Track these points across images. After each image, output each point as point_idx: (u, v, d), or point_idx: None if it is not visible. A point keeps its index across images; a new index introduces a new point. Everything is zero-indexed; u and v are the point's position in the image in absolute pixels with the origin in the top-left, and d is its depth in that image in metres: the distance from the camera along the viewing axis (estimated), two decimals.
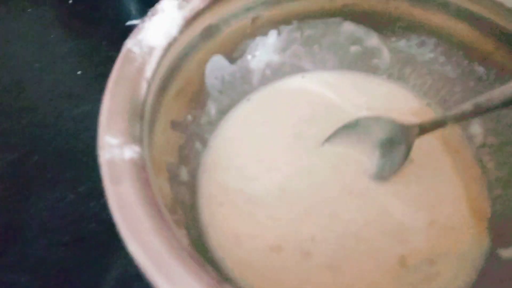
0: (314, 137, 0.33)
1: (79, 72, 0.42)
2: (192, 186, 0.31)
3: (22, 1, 0.47)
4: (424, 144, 0.32)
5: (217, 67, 0.33)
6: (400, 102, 0.35)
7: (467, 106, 0.27)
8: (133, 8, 0.47)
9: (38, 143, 0.37)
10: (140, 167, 0.20)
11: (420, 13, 0.33)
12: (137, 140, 0.21)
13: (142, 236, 0.17)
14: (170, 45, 0.25)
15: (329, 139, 0.32)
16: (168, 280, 0.16)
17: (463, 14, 0.31)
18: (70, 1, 0.47)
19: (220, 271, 0.27)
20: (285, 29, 0.35)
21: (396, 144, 0.30)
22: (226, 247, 0.29)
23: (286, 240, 0.28)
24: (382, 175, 0.31)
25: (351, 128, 0.31)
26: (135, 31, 0.25)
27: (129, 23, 0.45)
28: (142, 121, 0.22)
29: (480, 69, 0.32)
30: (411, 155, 0.31)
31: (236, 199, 0.30)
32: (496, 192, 0.30)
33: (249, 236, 0.29)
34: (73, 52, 0.43)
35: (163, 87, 0.27)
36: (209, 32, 0.30)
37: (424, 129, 0.29)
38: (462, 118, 0.28)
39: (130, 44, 0.24)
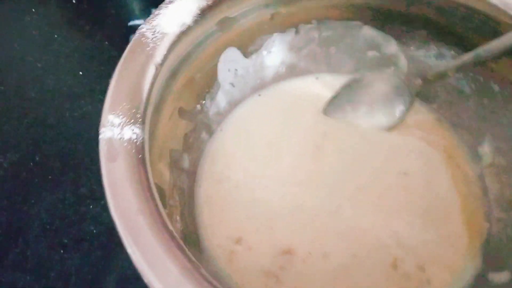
0: (317, 144, 0.33)
1: (81, 73, 0.41)
2: (192, 174, 0.31)
3: (26, 1, 0.47)
4: (426, 156, 0.32)
5: (231, 59, 0.33)
6: (409, 114, 0.34)
7: (467, 56, 0.28)
8: (136, 8, 0.46)
9: (40, 143, 0.37)
10: (137, 148, 0.20)
11: (442, 22, 0.32)
12: (139, 122, 0.22)
13: (127, 213, 0.18)
14: (183, 33, 0.26)
15: (332, 101, 0.34)
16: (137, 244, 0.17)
17: (485, 29, 0.31)
18: (74, 1, 0.47)
19: (209, 263, 0.28)
20: (304, 28, 0.35)
21: (400, 96, 0.33)
22: (220, 243, 0.29)
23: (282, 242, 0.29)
24: (388, 125, 0.34)
25: (354, 85, 0.34)
26: (151, 16, 0.25)
27: (131, 23, 0.44)
28: (147, 104, 0.23)
29: (495, 87, 0.31)
30: (408, 167, 0.31)
31: (233, 192, 0.31)
32: (495, 214, 0.29)
33: (246, 234, 0.29)
34: (76, 52, 0.43)
35: (173, 74, 0.28)
36: (225, 24, 0.30)
37: (427, 80, 0.32)
38: (463, 68, 0.30)
39: (144, 29, 0.25)
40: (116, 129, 0.21)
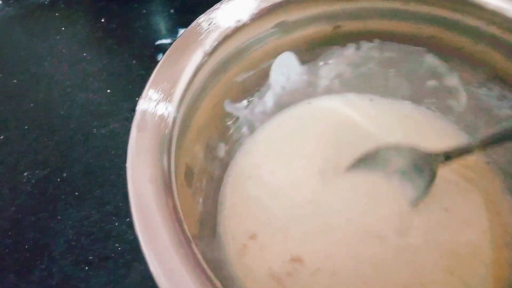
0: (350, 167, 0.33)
1: (108, 90, 0.42)
2: (225, 164, 0.33)
3: (56, 20, 0.48)
4: (468, 196, 0.31)
5: (286, 63, 0.34)
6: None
7: (493, 133, 0.26)
8: (163, 28, 0.47)
9: (68, 160, 0.38)
10: (166, 123, 0.22)
11: (508, 65, 0.31)
12: (176, 102, 0.23)
13: (139, 179, 0.20)
14: (237, 29, 0.27)
15: (351, 167, 0.32)
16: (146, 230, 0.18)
17: None
18: (103, 20, 0.48)
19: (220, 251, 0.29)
20: (365, 45, 0.35)
21: (420, 172, 0.30)
22: (234, 235, 0.30)
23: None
24: (410, 201, 0.31)
25: (371, 157, 0.31)
26: (211, 9, 0.27)
27: (159, 42, 0.45)
28: (187, 87, 0.24)
29: None
30: (447, 204, 0.30)
31: (259, 190, 0.32)
32: None
33: (261, 233, 0.30)
34: (104, 70, 0.44)
35: (225, 67, 0.29)
36: (283, 28, 0.31)
37: (449, 156, 0.29)
38: (488, 145, 0.27)
39: (201, 19, 0.27)
40: (152, 104, 0.23)
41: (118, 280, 0.32)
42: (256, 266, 0.28)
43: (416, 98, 0.36)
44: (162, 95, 0.23)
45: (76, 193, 0.36)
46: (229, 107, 0.32)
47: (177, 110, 0.24)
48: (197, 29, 0.26)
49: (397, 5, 0.31)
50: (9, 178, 0.37)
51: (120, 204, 0.35)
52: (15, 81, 0.44)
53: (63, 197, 0.36)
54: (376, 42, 0.35)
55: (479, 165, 0.33)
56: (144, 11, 0.48)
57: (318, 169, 0.33)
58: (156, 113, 0.22)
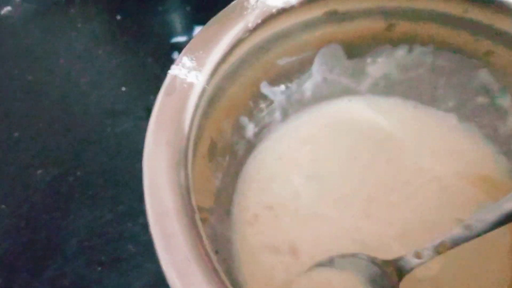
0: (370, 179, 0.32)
1: (123, 89, 0.41)
2: (251, 145, 0.32)
3: (72, 17, 0.47)
4: None
5: (331, 55, 0.33)
6: (482, 167, 0.31)
7: (447, 238, 0.24)
8: (179, 25, 0.46)
9: (81, 159, 0.37)
10: (194, 91, 0.22)
11: None
12: (208, 72, 0.24)
13: (157, 141, 0.20)
14: (284, 10, 0.27)
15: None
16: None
17: None
18: (119, 18, 0.47)
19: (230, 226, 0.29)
20: (418, 49, 0.33)
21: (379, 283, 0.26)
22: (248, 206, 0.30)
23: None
24: None
25: (327, 267, 0.28)
26: None
27: (175, 40, 0.44)
28: (222, 59, 0.24)
29: None
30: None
31: (286, 172, 0.32)
32: None
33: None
34: (119, 68, 0.43)
35: (267, 47, 0.29)
36: (333, 18, 0.30)
37: (405, 271, 0.25)
38: (443, 251, 0.25)
39: None
40: (184, 70, 0.23)
41: (130, 282, 0.32)
42: (256, 244, 0.28)
43: (462, 113, 0.34)
44: (195, 63, 0.23)
45: (90, 193, 0.36)
46: (265, 89, 0.32)
47: (208, 80, 0.24)
48: (244, 3, 0.26)
49: (457, 11, 0.30)
50: (22, 176, 0.37)
51: (134, 205, 0.34)
52: (30, 77, 0.43)
53: (76, 196, 0.36)
54: (430, 47, 0.33)
55: (505, 184, 0.31)
56: (160, 8, 0.47)
57: (338, 169, 0.32)
58: (186, 80, 0.23)
